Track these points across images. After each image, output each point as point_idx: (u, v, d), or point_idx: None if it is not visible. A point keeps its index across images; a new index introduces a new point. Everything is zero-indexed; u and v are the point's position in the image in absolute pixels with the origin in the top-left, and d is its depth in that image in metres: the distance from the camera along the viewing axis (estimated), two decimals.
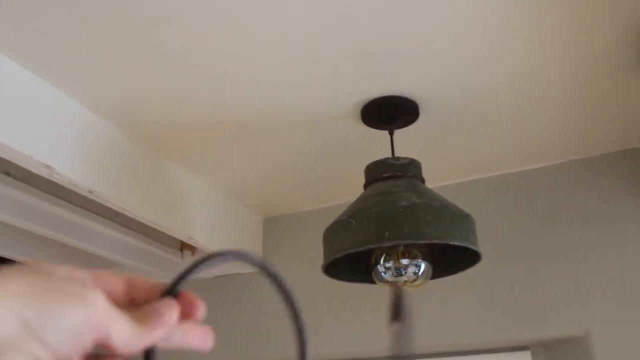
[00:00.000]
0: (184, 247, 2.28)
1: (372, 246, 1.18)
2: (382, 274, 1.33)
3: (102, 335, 0.36)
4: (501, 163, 1.82)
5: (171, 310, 0.41)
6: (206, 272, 2.14)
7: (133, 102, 1.44)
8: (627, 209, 1.68)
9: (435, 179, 1.85)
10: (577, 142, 1.71)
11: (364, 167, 1.42)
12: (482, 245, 1.32)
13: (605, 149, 1.76)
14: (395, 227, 1.16)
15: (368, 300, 1.90)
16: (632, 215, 1.67)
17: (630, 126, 1.63)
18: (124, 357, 0.39)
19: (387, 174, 1.33)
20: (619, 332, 1.57)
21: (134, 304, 0.42)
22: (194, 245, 1.85)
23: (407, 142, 1.62)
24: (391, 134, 1.47)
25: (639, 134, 1.68)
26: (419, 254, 1.32)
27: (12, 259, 2.00)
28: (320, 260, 1.34)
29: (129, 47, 1.22)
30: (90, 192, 1.47)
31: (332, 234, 1.27)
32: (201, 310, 0.43)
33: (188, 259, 2.26)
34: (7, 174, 1.54)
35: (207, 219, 1.89)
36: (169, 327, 0.40)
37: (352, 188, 1.85)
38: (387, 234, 1.16)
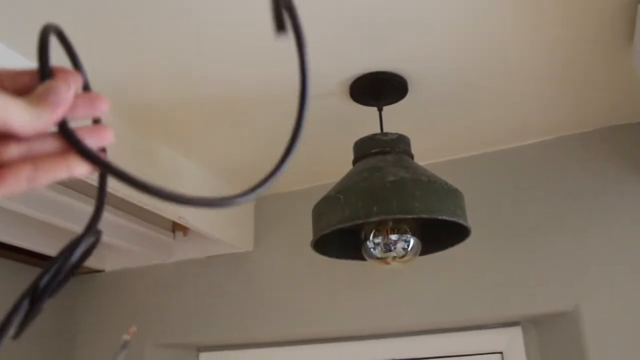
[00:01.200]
0: (175, 227, 2.28)
1: (360, 221, 1.18)
2: (372, 249, 1.34)
3: (1, 123, 0.35)
4: (490, 140, 1.82)
5: (66, 85, 0.40)
6: (199, 252, 2.15)
7: (118, 83, 1.43)
8: (616, 184, 1.68)
9: (424, 156, 1.85)
10: (566, 118, 1.70)
11: (353, 144, 1.42)
12: (472, 222, 1.32)
13: (594, 125, 1.75)
14: (384, 202, 1.16)
15: (359, 277, 1.91)
16: (621, 190, 1.67)
17: (619, 103, 1.63)
18: (31, 137, 0.38)
19: (376, 150, 1.32)
20: (608, 307, 1.58)
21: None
22: (185, 225, 1.85)
23: (396, 118, 1.61)
24: (380, 110, 1.47)
25: (628, 110, 1.68)
26: (408, 230, 1.32)
27: (3, 241, 2.00)
28: (311, 239, 1.34)
29: (111, 24, 1.21)
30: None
31: (321, 210, 1.27)
32: (79, 78, 0.42)
33: (180, 239, 2.26)
34: None
35: None
36: (68, 102, 0.39)
37: (342, 166, 1.84)
38: (375, 209, 1.16)
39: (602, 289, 1.60)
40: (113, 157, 1.36)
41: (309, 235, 1.37)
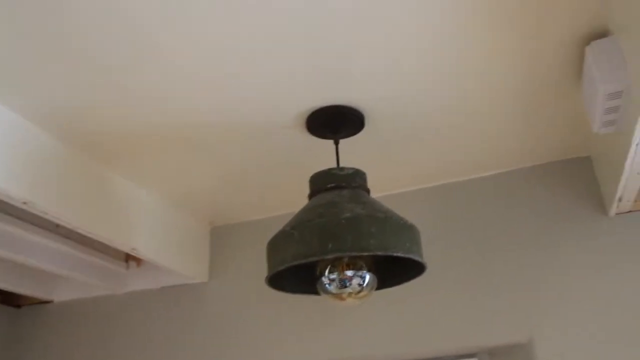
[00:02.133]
0: (129, 257, 2.22)
1: (315, 258, 1.17)
2: (327, 285, 1.32)
3: None
4: (446, 172, 1.84)
5: None
6: (153, 283, 2.10)
7: (70, 110, 1.39)
8: (567, 216, 1.72)
9: (380, 188, 1.85)
10: (518, 152, 1.73)
11: (309, 177, 1.41)
12: (428, 254, 1.32)
13: (545, 159, 1.79)
14: (339, 239, 1.15)
15: (314, 311, 1.88)
16: (575, 225, 1.70)
17: (571, 137, 1.67)
18: None
19: (332, 185, 1.32)
20: (561, 339, 1.60)
21: None
22: (138, 256, 1.80)
23: (353, 151, 1.61)
24: (336, 143, 1.47)
25: (576, 144, 1.72)
26: (363, 266, 1.31)
27: None
28: (266, 270, 1.31)
29: (64, 53, 1.18)
30: (25, 203, 1.41)
31: (275, 245, 1.25)
32: None
33: (133, 270, 2.20)
34: None
35: (152, 229, 1.84)
36: None
37: (299, 197, 1.83)
38: (330, 245, 1.15)
39: (555, 321, 1.62)
40: (64, 185, 1.32)
41: (264, 266, 1.35)
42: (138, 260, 2.21)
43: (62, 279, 2.30)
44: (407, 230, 1.23)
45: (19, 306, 2.36)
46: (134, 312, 2.15)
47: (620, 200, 1.56)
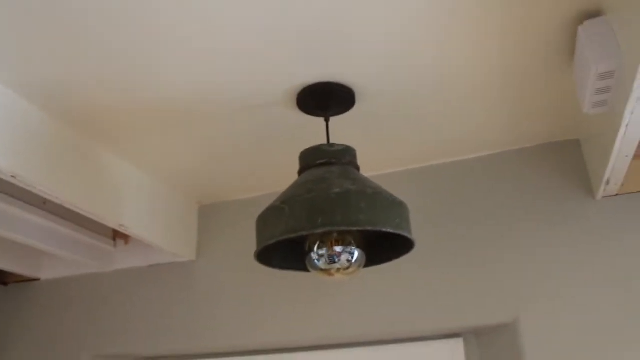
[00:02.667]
0: (117, 235, 2.21)
1: (304, 233, 1.16)
2: (316, 261, 1.32)
3: None
4: (435, 153, 1.84)
5: None
6: (141, 261, 2.10)
7: (58, 84, 1.38)
8: (554, 198, 1.73)
9: (369, 168, 1.85)
10: (510, 133, 1.74)
11: (299, 154, 1.41)
12: (415, 234, 1.33)
13: (535, 141, 1.80)
14: (328, 213, 1.15)
15: (301, 288, 1.89)
16: (560, 204, 1.71)
17: (560, 119, 1.68)
18: None
19: (322, 161, 1.31)
20: (546, 319, 1.61)
21: None
22: (126, 233, 1.80)
23: (343, 129, 1.61)
24: (327, 121, 1.46)
25: (570, 127, 1.72)
26: (352, 242, 1.31)
27: None
28: (255, 249, 1.31)
29: (51, 26, 1.16)
30: (13, 176, 1.40)
31: (265, 220, 1.25)
32: None
33: (121, 248, 2.20)
34: None
35: (140, 206, 1.83)
36: None
37: (288, 176, 1.83)
38: (319, 220, 1.15)
39: (541, 301, 1.64)
40: (52, 160, 1.31)
41: (252, 245, 1.35)
42: (126, 238, 2.20)
43: (50, 256, 2.29)
44: (396, 207, 1.23)
45: (5, 284, 2.35)
46: (121, 290, 2.15)
47: (607, 183, 1.57)
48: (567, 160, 1.76)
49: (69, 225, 1.99)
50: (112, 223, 1.72)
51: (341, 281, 1.80)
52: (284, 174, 1.83)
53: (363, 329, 1.80)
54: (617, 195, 1.67)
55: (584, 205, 1.70)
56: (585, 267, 1.63)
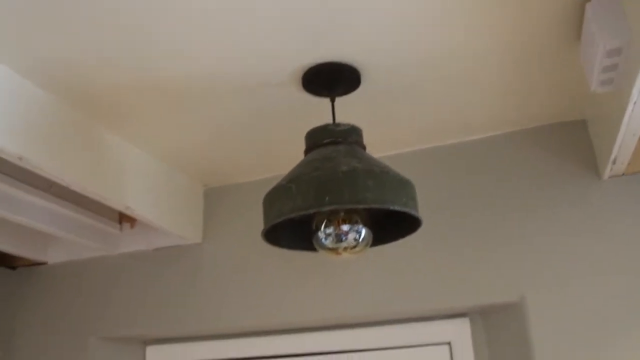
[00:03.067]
0: (122, 219, 2.22)
1: (312, 211, 1.16)
2: (323, 240, 1.32)
3: None
4: (441, 134, 1.83)
5: None
6: (146, 244, 2.11)
7: (62, 64, 1.37)
8: (561, 178, 1.73)
9: (375, 148, 1.85)
10: (516, 114, 1.73)
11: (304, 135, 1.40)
12: (422, 214, 1.33)
13: (543, 122, 1.79)
14: (335, 191, 1.15)
15: (309, 268, 1.90)
16: (569, 187, 1.71)
17: (566, 99, 1.67)
18: None
19: (328, 140, 1.31)
20: (553, 298, 1.62)
21: None
22: (132, 215, 1.80)
23: (349, 110, 1.61)
24: (332, 101, 1.46)
25: (577, 107, 1.72)
26: (359, 220, 1.32)
27: None
28: (261, 231, 1.32)
29: (53, 4, 1.16)
30: (20, 158, 1.40)
31: (272, 199, 1.25)
32: None
33: (127, 231, 2.21)
34: None
35: (146, 188, 1.84)
36: None
37: (294, 158, 1.83)
38: (327, 198, 1.15)
39: (547, 280, 1.64)
40: (59, 142, 1.31)
41: (258, 228, 1.36)
42: (132, 222, 2.21)
43: (56, 240, 2.30)
44: (403, 185, 1.23)
45: (14, 268, 2.36)
46: (127, 274, 2.16)
47: (614, 162, 1.57)
48: (573, 140, 1.76)
49: (75, 209, 2.00)
50: (119, 205, 1.72)
51: (348, 260, 1.80)
52: (290, 155, 1.83)
53: (368, 309, 1.80)
54: (623, 175, 1.67)
55: (590, 185, 1.69)
56: (591, 247, 1.63)
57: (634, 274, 1.58)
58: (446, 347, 1.87)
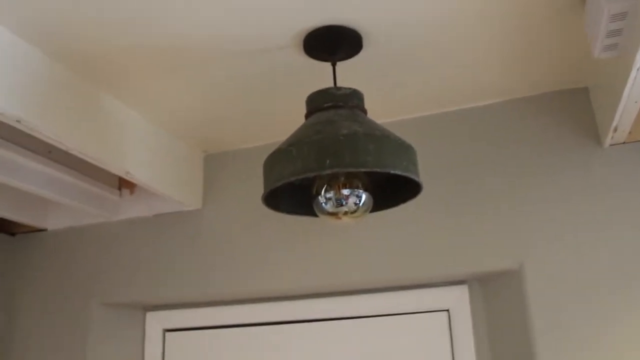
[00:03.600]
0: (122, 184, 2.22)
1: (312, 174, 1.16)
2: (323, 204, 1.33)
3: None
4: (442, 100, 1.82)
5: None
6: (146, 211, 2.11)
7: (61, 26, 1.36)
8: (561, 146, 1.72)
9: (377, 114, 1.84)
10: (517, 81, 1.72)
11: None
12: (422, 180, 1.33)
13: (545, 89, 1.78)
14: (336, 155, 1.15)
15: (309, 234, 1.90)
16: (566, 153, 1.71)
17: (568, 66, 1.66)
18: None
19: (329, 104, 1.30)
20: (551, 266, 1.63)
21: None
22: (132, 180, 1.80)
23: (350, 74, 1.59)
24: (334, 65, 1.45)
25: (579, 75, 1.70)
26: (360, 185, 1.32)
27: None
28: (261, 197, 1.32)
29: None
30: (18, 121, 1.39)
31: (272, 162, 1.25)
32: None
33: (127, 197, 2.21)
34: None
35: (146, 154, 1.83)
36: None
37: (295, 123, 1.82)
38: (327, 161, 1.14)
39: (545, 247, 1.65)
40: (58, 105, 1.30)
41: (258, 194, 1.35)
42: (131, 188, 2.21)
43: (56, 206, 2.30)
44: (404, 150, 1.23)
45: (13, 234, 2.37)
46: (127, 240, 2.16)
47: (615, 130, 1.56)
48: (575, 108, 1.75)
49: (74, 175, 2.00)
50: (118, 170, 1.72)
51: (348, 225, 1.80)
52: (290, 121, 1.82)
53: (367, 275, 1.81)
54: (624, 143, 1.66)
55: (591, 153, 1.69)
56: (591, 215, 1.64)
57: (633, 242, 1.58)
58: (445, 314, 1.88)
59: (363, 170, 1.18)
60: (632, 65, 1.22)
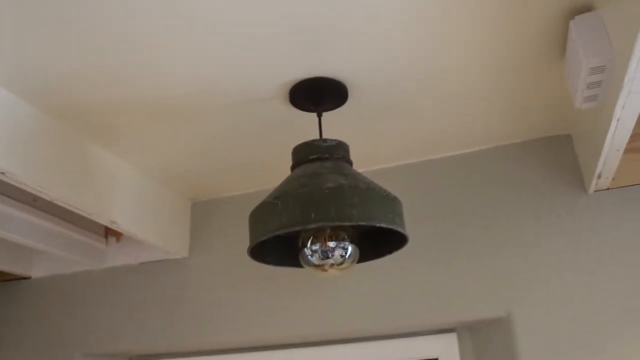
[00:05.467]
0: (108, 233, 2.20)
1: (297, 228, 1.16)
2: (309, 256, 1.32)
3: None
4: (427, 149, 1.84)
5: None
6: (132, 259, 2.09)
7: (47, 78, 1.36)
8: (548, 194, 1.73)
9: (362, 163, 1.86)
10: (502, 129, 1.74)
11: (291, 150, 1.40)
12: (408, 230, 1.33)
13: (529, 136, 1.80)
14: (322, 208, 1.15)
15: (296, 285, 1.89)
16: (554, 201, 1.72)
17: (551, 114, 1.68)
18: None
19: (314, 156, 1.31)
20: (539, 313, 1.62)
21: None
22: (118, 230, 1.79)
23: (336, 125, 1.61)
24: (319, 116, 1.46)
25: (562, 123, 1.73)
26: (346, 237, 1.31)
27: None
28: (248, 246, 1.31)
29: (39, 17, 1.15)
30: (3, 173, 1.38)
31: (258, 216, 1.24)
32: None
33: (113, 245, 2.19)
34: None
35: (131, 202, 1.82)
36: None
37: (281, 172, 1.83)
38: (313, 215, 1.14)
39: (534, 295, 1.64)
40: (43, 156, 1.30)
41: (245, 242, 1.35)
42: (117, 236, 2.19)
43: (41, 254, 2.28)
44: (390, 202, 1.23)
45: None
46: (113, 288, 2.14)
47: (599, 177, 1.58)
48: (559, 155, 1.77)
49: (60, 223, 1.98)
50: (104, 219, 1.71)
51: (335, 277, 1.79)
52: (277, 170, 1.83)
53: (356, 324, 1.80)
54: (608, 189, 1.68)
55: (576, 200, 1.70)
56: (578, 261, 1.64)
57: (620, 288, 1.58)
58: None
59: (348, 224, 1.18)
60: (612, 116, 1.24)
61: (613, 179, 1.62)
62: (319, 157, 1.31)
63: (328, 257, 1.31)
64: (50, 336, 2.15)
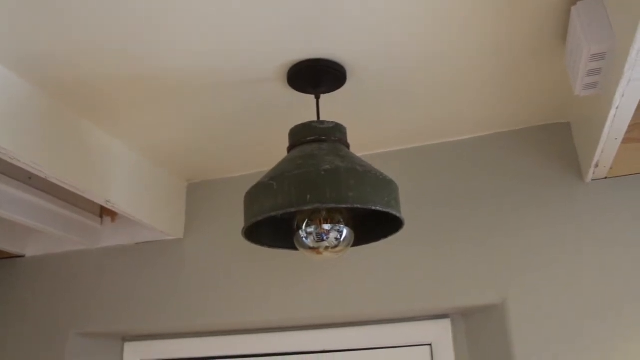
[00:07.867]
0: (104, 212, 2.20)
1: (293, 209, 1.15)
2: (304, 239, 1.31)
3: None
4: (425, 134, 1.83)
5: None
6: (127, 239, 2.09)
7: (43, 55, 1.35)
8: (545, 182, 1.73)
9: (359, 147, 1.85)
10: (500, 116, 1.73)
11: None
12: (404, 214, 1.32)
13: (528, 124, 1.80)
14: (317, 190, 1.14)
15: (289, 268, 1.89)
16: (550, 188, 1.72)
17: (550, 102, 1.67)
18: None
19: (311, 138, 1.30)
20: (534, 300, 1.62)
21: None
22: (113, 209, 1.78)
23: (333, 107, 1.60)
24: (317, 98, 1.45)
25: (561, 110, 1.72)
26: (341, 220, 1.31)
27: None
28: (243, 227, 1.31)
29: None
30: None
31: (253, 196, 1.23)
32: None
33: (108, 225, 2.18)
34: None
35: (127, 182, 1.81)
36: None
37: (278, 153, 1.82)
38: (308, 197, 1.14)
39: (529, 282, 1.64)
40: (39, 133, 1.29)
41: (240, 223, 1.34)
42: (112, 216, 2.18)
43: (35, 233, 2.27)
44: (386, 185, 1.22)
45: None
46: (107, 268, 2.13)
47: (597, 166, 1.58)
48: (557, 143, 1.76)
49: (55, 202, 1.98)
50: (99, 199, 1.70)
51: (329, 259, 1.79)
52: (274, 152, 1.82)
53: (350, 309, 1.80)
54: (606, 178, 1.68)
55: (573, 188, 1.70)
56: (573, 249, 1.64)
57: (615, 276, 1.58)
58: (427, 348, 1.87)
59: (344, 206, 1.18)
60: (611, 103, 1.23)
61: (611, 168, 1.62)
62: (316, 139, 1.30)
63: (323, 240, 1.30)
64: (45, 315, 2.15)
